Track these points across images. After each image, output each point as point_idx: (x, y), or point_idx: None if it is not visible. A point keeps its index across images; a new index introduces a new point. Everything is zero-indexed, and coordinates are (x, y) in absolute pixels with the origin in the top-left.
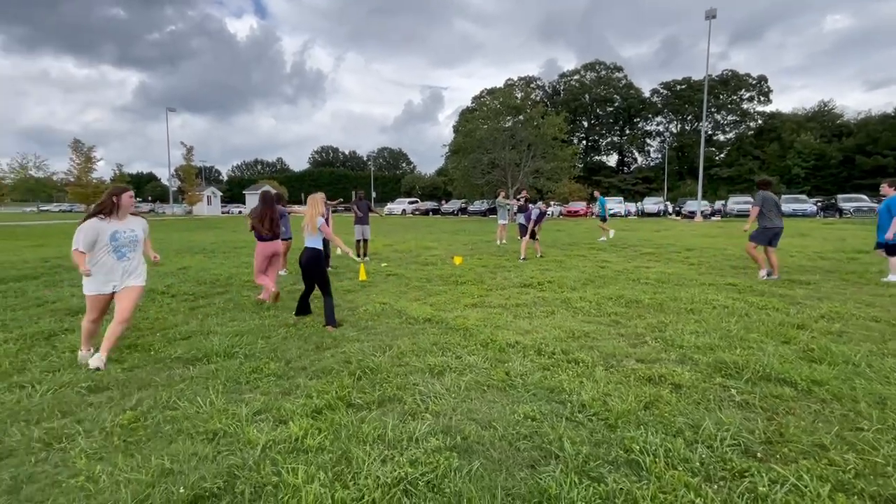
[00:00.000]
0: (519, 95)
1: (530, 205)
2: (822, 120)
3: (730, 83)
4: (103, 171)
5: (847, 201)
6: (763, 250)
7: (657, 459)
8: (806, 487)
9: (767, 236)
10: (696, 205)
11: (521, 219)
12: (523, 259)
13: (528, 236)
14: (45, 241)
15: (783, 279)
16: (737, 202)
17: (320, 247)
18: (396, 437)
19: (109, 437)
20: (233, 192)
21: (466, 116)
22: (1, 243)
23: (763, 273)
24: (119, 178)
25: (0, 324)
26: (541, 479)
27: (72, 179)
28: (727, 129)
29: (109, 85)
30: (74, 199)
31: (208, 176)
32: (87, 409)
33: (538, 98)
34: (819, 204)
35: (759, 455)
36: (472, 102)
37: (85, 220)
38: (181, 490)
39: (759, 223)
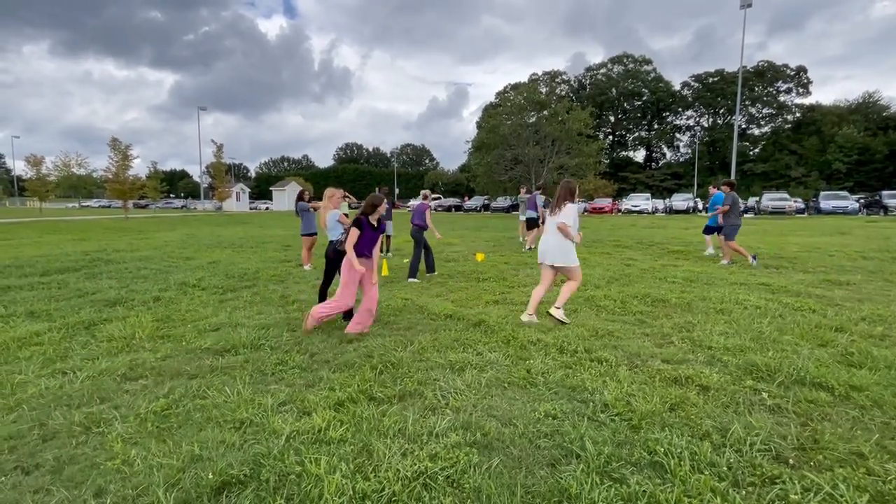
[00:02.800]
0: (543, 90)
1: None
2: (867, 112)
3: (766, 75)
4: (139, 168)
5: (893, 198)
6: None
7: (682, 462)
8: (842, 497)
9: (737, 231)
10: None
11: (531, 213)
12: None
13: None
14: (86, 235)
15: (821, 279)
16: (772, 199)
17: (340, 238)
18: (417, 432)
19: (143, 422)
20: (260, 188)
21: (490, 112)
22: (46, 237)
23: (753, 259)
24: (154, 175)
25: (45, 313)
26: (561, 478)
27: (110, 176)
28: (762, 123)
29: (147, 85)
30: (112, 196)
31: (237, 173)
32: (123, 395)
33: (563, 93)
34: (862, 201)
35: (791, 461)
36: (496, 98)
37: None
38: (210, 476)
39: (731, 220)
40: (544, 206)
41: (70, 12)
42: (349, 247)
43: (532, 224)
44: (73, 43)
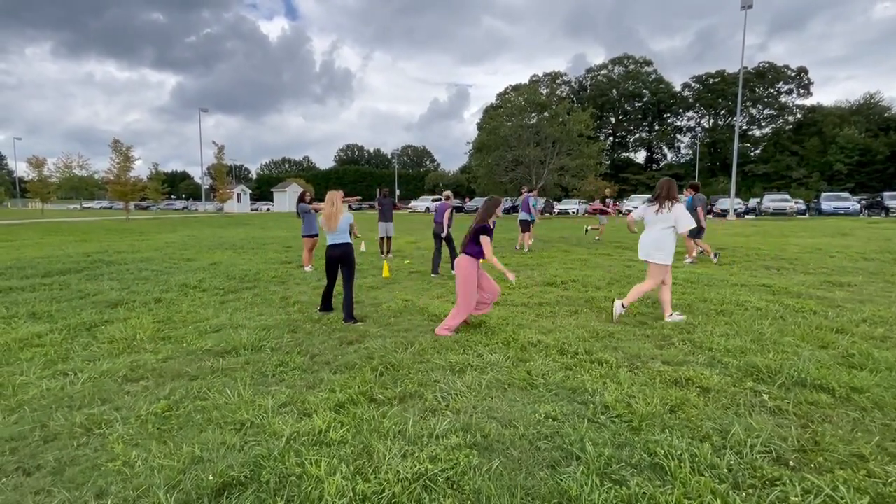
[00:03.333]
0: (544, 91)
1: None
2: (868, 113)
3: (767, 76)
4: (141, 169)
5: (894, 199)
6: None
7: (682, 464)
8: (842, 499)
9: (697, 230)
10: (729, 202)
11: (524, 215)
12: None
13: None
14: (88, 236)
15: (822, 281)
16: (773, 200)
17: (350, 240)
18: (417, 433)
19: (144, 424)
20: (261, 189)
21: (490, 113)
22: (48, 239)
23: (691, 259)
24: (155, 176)
25: (46, 315)
26: (561, 479)
27: (111, 178)
28: (763, 124)
29: (149, 87)
30: (114, 197)
31: (238, 174)
32: (124, 396)
33: (564, 94)
34: (863, 202)
35: (791, 463)
36: (497, 99)
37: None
38: (210, 477)
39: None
40: (542, 209)
41: (72, 14)
42: (491, 255)
43: (525, 227)
44: (75, 44)
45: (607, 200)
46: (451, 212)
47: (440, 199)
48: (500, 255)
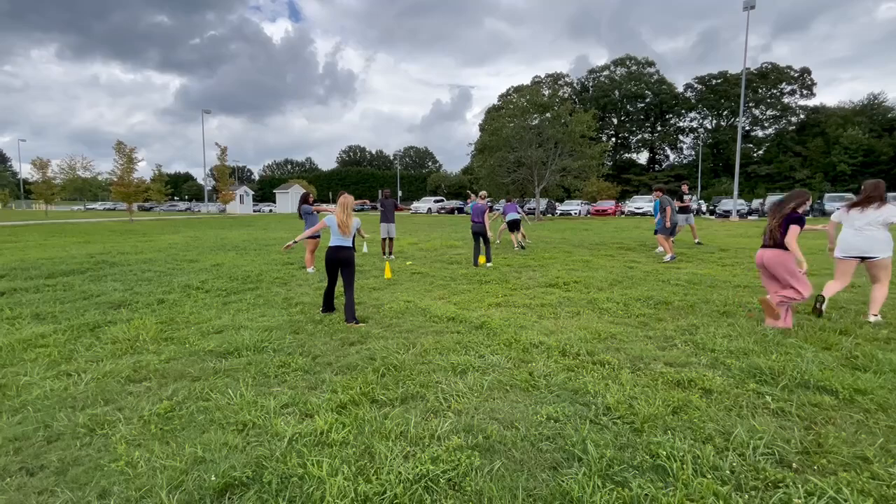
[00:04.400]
0: (546, 93)
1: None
2: (872, 114)
3: (769, 76)
4: (144, 171)
5: None
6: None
7: (685, 466)
8: (846, 501)
9: (671, 229)
10: (732, 203)
11: (514, 215)
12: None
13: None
14: (91, 237)
15: (826, 282)
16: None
17: (351, 244)
18: (419, 434)
19: (147, 424)
20: (264, 191)
21: (493, 115)
22: (51, 240)
23: (669, 257)
24: (158, 177)
25: (50, 316)
26: (563, 480)
27: (115, 179)
28: (766, 125)
29: (153, 89)
30: (118, 198)
31: (241, 175)
32: (127, 397)
33: (566, 95)
34: None
35: (794, 465)
36: (499, 101)
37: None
38: (212, 478)
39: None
40: (543, 210)
41: (77, 17)
42: (795, 241)
43: (514, 226)
44: (80, 47)
45: (685, 197)
46: (488, 212)
47: (441, 200)
48: (500, 256)
